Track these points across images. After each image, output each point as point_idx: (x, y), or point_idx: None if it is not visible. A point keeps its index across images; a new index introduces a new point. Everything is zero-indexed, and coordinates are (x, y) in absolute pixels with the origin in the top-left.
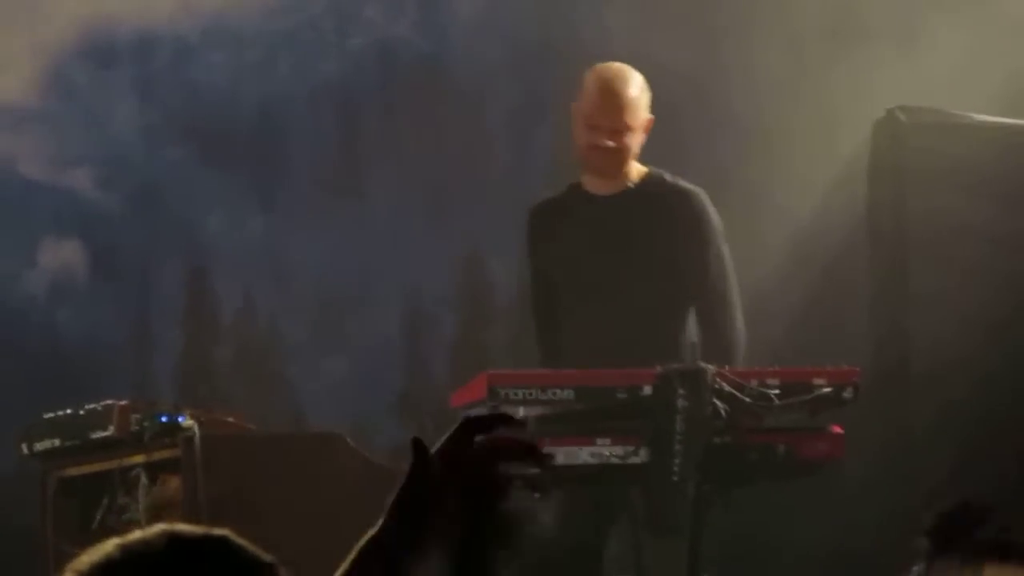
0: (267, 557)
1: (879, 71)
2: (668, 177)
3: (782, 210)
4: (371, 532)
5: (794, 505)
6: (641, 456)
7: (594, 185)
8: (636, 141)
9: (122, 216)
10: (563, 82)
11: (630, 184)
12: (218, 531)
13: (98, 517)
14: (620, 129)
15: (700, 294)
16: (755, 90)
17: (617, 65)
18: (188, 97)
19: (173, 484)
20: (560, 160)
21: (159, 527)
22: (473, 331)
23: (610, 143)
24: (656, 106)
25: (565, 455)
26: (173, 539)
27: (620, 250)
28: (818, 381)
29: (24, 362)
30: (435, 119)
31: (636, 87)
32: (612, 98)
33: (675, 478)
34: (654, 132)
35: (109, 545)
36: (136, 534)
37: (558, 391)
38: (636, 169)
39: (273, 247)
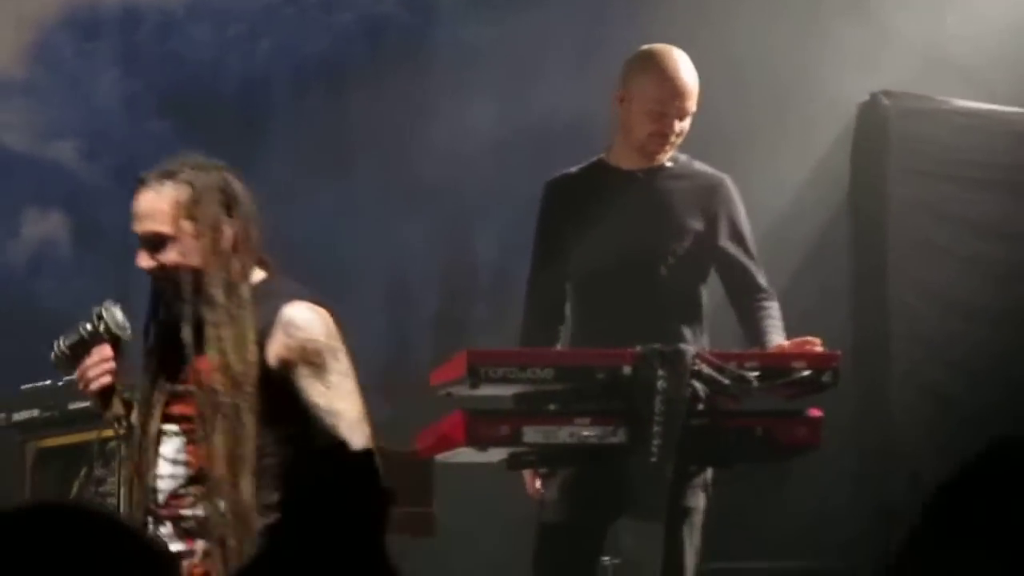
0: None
1: (862, 53)
2: (692, 160)
3: (763, 194)
4: None
5: (773, 488)
6: (619, 437)
7: (622, 161)
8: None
9: (105, 188)
10: (549, 58)
11: (663, 164)
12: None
13: (75, 488)
14: (685, 116)
15: (736, 275)
16: (736, 71)
17: (673, 50)
18: (172, 70)
19: None
20: (547, 136)
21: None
22: (456, 309)
23: (677, 129)
24: None
25: (544, 434)
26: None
27: (642, 227)
28: (798, 365)
29: (5, 333)
30: (421, 95)
31: (693, 71)
32: (681, 84)
33: (653, 459)
34: None
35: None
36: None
37: (537, 370)
38: None
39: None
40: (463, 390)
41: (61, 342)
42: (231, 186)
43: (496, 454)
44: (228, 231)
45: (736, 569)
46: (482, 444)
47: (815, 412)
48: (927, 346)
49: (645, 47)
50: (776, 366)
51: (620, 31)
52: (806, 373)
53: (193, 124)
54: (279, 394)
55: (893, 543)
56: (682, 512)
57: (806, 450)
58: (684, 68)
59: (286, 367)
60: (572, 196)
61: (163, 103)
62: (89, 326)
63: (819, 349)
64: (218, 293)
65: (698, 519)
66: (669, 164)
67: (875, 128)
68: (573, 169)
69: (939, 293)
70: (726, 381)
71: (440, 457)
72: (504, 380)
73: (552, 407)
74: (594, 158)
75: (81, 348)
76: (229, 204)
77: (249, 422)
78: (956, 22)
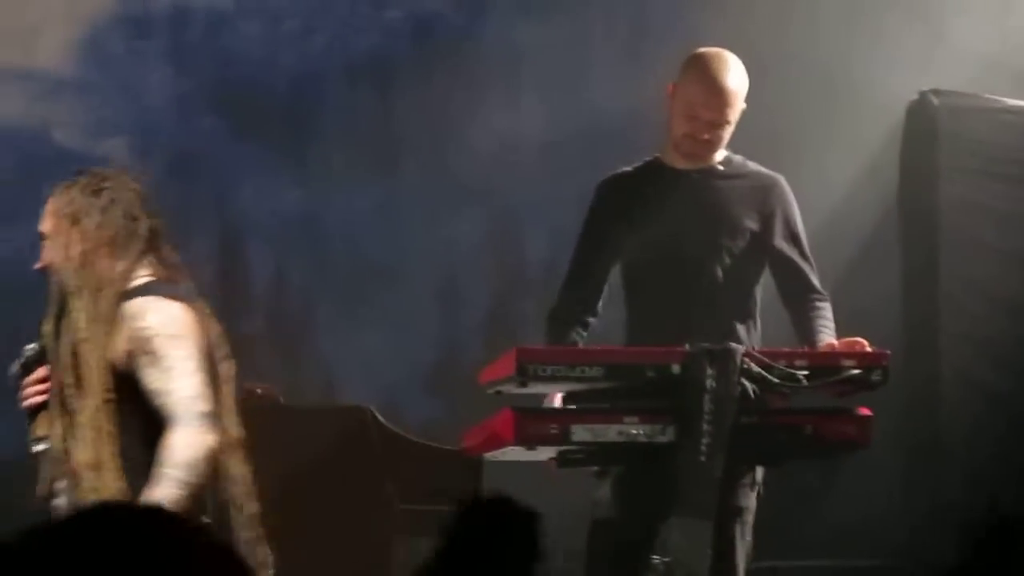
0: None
1: (911, 54)
2: (746, 161)
3: (813, 193)
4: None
5: (821, 486)
6: (668, 435)
7: (677, 161)
8: (730, 132)
9: (156, 186)
10: (598, 58)
11: (716, 164)
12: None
13: None
14: (720, 123)
15: (789, 275)
16: (785, 72)
17: (724, 55)
18: (223, 67)
19: None
20: (596, 135)
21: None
22: (505, 307)
23: (708, 137)
24: None
25: (593, 433)
26: (89, 509)
27: (698, 226)
28: (847, 363)
29: None
30: (470, 92)
31: (739, 80)
32: (717, 93)
33: (702, 458)
34: None
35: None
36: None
37: (587, 368)
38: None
39: (306, 219)
40: (512, 388)
41: (16, 362)
42: (119, 191)
43: (545, 452)
44: (98, 232)
45: (785, 567)
46: (531, 443)
47: (864, 411)
48: (977, 344)
49: (702, 49)
50: (825, 364)
51: (669, 29)
52: (855, 371)
53: (244, 121)
54: (132, 386)
55: (944, 543)
56: (733, 511)
57: (855, 448)
58: (725, 75)
59: (129, 358)
60: (625, 194)
61: (213, 100)
62: (32, 347)
63: (868, 349)
64: (77, 291)
65: (749, 518)
66: (721, 165)
67: (924, 127)
68: (627, 168)
69: (989, 291)
70: (775, 379)
71: (489, 455)
72: (553, 378)
73: (601, 405)
74: (648, 158)
75: (28, 368)
76: (108, 207)
77: (102, 418)
78: (1016, 26)
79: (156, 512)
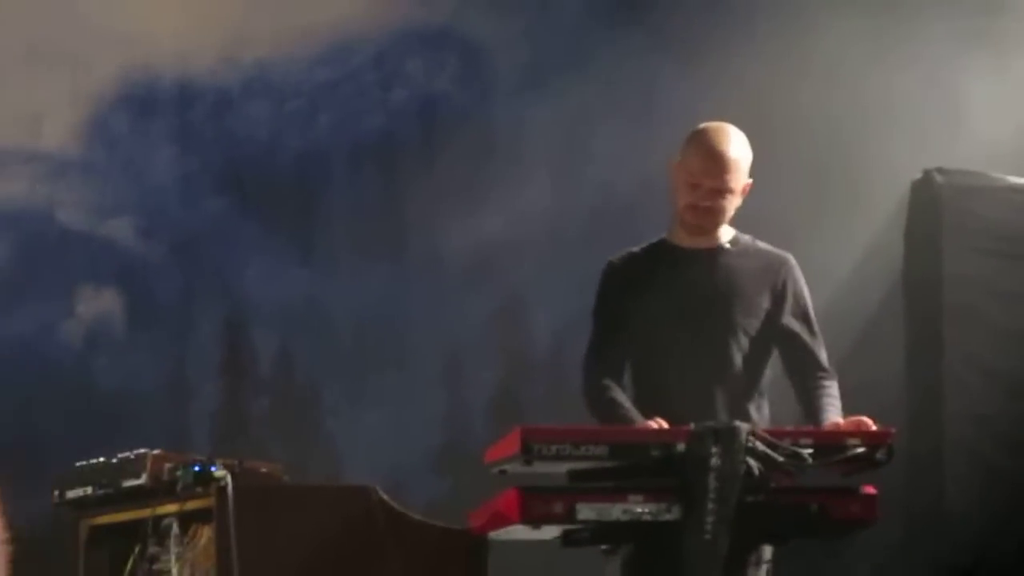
0: None
1: (917, 131)
2: (755, 240)
3: (818, 270)
4: None
5: (828, 560)
6: (674, 513)
7: (685, 240)
8: (734, 204)
9: (160, 266)
10: (604, 136)
11: (722, 242)
12: None
13: (129, 567)
14: (722, 190)
15: (798, 353)
16: (791, 147)
17: (723, 126)
18: (228, 147)
19: (205, 534)
20: (602, 213)
21: None
22: (511, 386)
23: (709, 204)
24: None
25: (598, 511)
26: None
27: (714, 305)
28: (852, 441)
29: (60, 410)
30: (475, 173)
31: (740, 149)
32: (717, 159)
33: (707, 536)
34: None
35: None
36: None
37: (592, 447)
38: (725, 229)
39: (311, 299)
40: (517, 467)
41: None
42: None
43: (549, 531)
44: None
45: None
46: (536, 521)
47: (869, 489)
48: (979, 421)
49: (703, 123)
50: (830, 443)
51: (673, 106)
52: (860, 450)
53: (249, 201)
54: None
55: None
56: None
57: (862, 527)
58: (726, 143)
59: None
60: (635, 275)
61: (219, 181)
62: None
63: (873, 427)
64: None
65: None
66: (730, 244)
67: (928, 205)
68: (635, 248)
69: (992, 368)
70: (780, 458)
71: (494, 534)
72: (558, 457)
73: (606, 484)
74: (655, 239)
75: None
76: None
77: None
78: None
79: None
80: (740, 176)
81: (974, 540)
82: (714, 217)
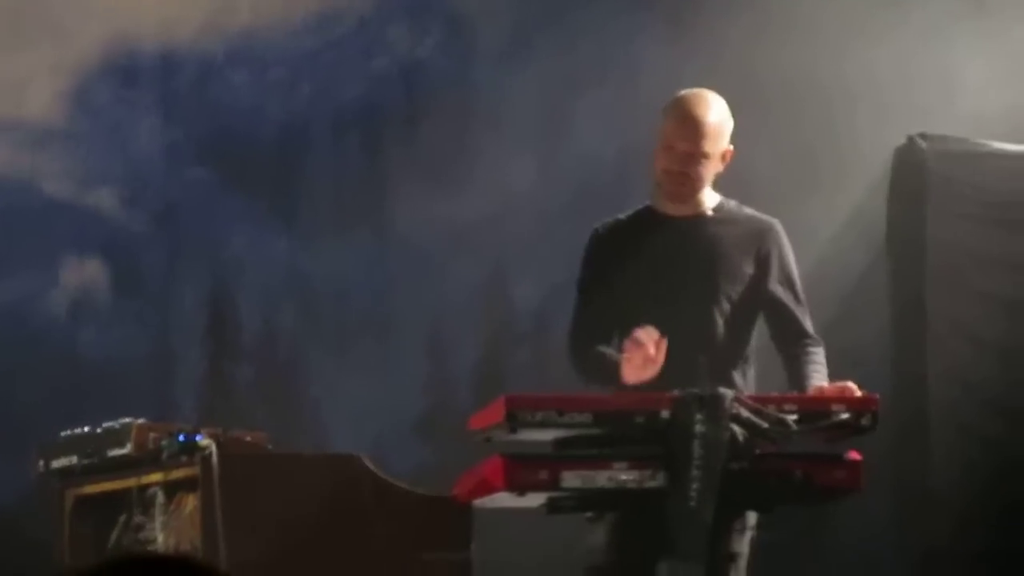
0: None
1: (902, 97)
2: (741, 206)
3: (802, 237)
4: None
5: (813, 530)
6: (658, 481)
7: (668, 208)
8: (711, 169)
9: (144, 235)
10: (588, 104)
11: (706, 209)
12: (179, 554)
13: (114, 536)
14: (695, 155)
15: (783, 320)
16: (775, 114)
17: (701, 91)
18: (211, 117)
19: (191, 503)
20: (586, 180)
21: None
22: (495, 354)
23: (683, 168)
24: None
25: (582, 479)
26: (125, 562)
27: (698, 272)
28: (836, 408)
29: (44, 380)
30: (459, 141)
31: (717, 115)
32: (691, 123)
33: (692, 503)
34: None
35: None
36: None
37: (576, 415)
38: (710, 196)
39: (295, 268)
40: (502, 435)
41: None
42: None
43: (534, 499)
44: None
45: None
46: (521, 489)
47: (854, 456)
48: (965, 387)
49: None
50: (815, 409)
51: (656, 74)
52: (845, 416)
53: (232, 170)
54: None
55: None
56: (726, 556)
57: (846, 494)
58: (702, 108)
59: None
60: (620, 242)
61: (202, 150)
62: None
63: (858, 393)
64: None
65: (743, 563)
66: (714, 211)
67: (912, 170)
68: (621, 216)
69: (977, 334)
70: (765, 425)
71: (478, 502)
72: (543, 425)
73: (591, 452)
74: (640, 206)
75: None
76: None
77: None
78: (1001, 66)
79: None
80: (717, 141)
81: (962, 514)
82: (690, 183)
